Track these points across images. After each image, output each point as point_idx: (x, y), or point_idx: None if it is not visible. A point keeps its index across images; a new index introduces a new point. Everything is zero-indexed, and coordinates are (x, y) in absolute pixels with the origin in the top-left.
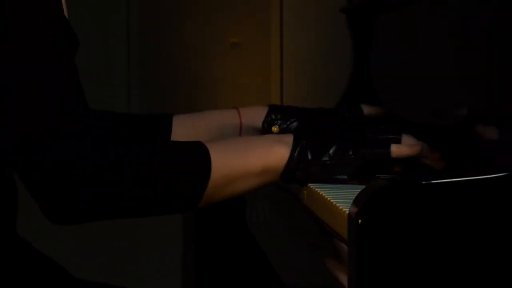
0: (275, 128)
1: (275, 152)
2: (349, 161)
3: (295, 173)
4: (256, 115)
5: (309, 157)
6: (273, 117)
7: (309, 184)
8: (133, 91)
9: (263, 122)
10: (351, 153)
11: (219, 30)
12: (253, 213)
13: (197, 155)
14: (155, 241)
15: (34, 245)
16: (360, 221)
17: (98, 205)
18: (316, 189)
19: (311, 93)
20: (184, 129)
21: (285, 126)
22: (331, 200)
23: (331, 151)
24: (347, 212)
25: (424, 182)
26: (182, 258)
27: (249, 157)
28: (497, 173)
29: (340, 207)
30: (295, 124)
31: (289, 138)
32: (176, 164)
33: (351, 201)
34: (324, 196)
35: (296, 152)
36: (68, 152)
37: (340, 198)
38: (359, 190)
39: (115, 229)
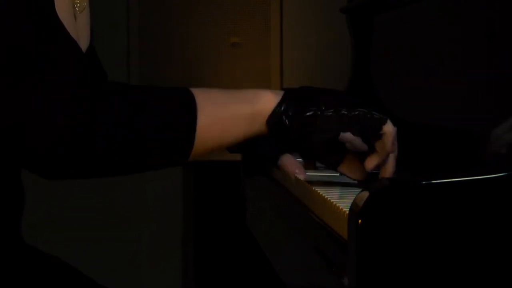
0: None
1: (263, 96)
2: (340, 118)
3: (283, 120)
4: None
5: (299, 106)
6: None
7: (310, 185)
8: None
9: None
10: (344, 111)
11: (219, 30)
12: (253, 213)
13: (183, 99)
14: (155, 241)
15: (32, 244)
16: (360, 221)
17: (90, 153)
18: (316, 189)
19: None
20: None
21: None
22: (331, 200)
23: (323, 106)
24: (347, 212)
25: (424, 182)
26: (182, 258)
27: (237, 98)
28: (497, 173)
29: (340, 207)
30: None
31: (280, 91)
32: (163, 111)
33: (351, 201)
34: (324, 196)
35: (285, 98)
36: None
37: (340, 198)
38: (359, 190)
39: (115, 229)
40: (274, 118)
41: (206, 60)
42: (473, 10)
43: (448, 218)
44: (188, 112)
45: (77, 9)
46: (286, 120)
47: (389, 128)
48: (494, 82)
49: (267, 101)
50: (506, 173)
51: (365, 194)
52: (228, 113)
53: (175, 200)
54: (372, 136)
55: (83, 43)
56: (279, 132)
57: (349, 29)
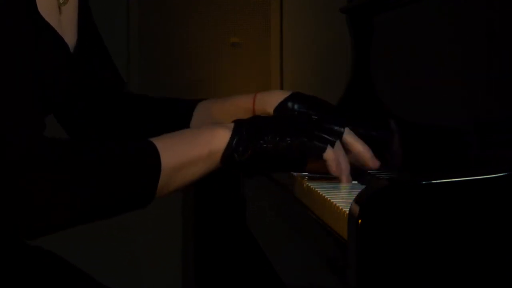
0: None
1: (218, 135)
2: (286, 149)
3: (234, 157)
4: (270, 100)
5: (248, 140)
6: (290, 105)
7: (310, 185)
8: (133, 91)
9: (275, 109)
10: (289, 140)
11: (219, 30)
12: (253, 213)
13: (146, 154)
14: (155, 241)
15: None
16: (360, 221)
17: (54, 215)
18: (316, 189)
19: (310, 93)
20: (204, 114)
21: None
22: (331, 200)
23: (269, 136)
24: (347, 212)
25: (424, 182)
26: (182, 258)
27: (195, 144)
28: (497, 173)
29: (340, 207)
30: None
31: (231, 124)
32: (126, 165)
33: (351, 201)
34: (324, 196)
35: (236, 135)
36: (19, 164)
37: (340, 198)
38: (359, 190)
39: (115, 229)
40: (227, 154)
41: (206, 60)
42: (473, 10)
43: (448, 218)
44: (152, 173)
45: (61, 1)
46: (237, 156)
47: (328, 155)
48: (494, 82)
49: (222, 138)
50: (506, 173)
51: (365, 194)
52: (188, 163)
53: (175, 200)
54: (315, 159)
55: (70, 37)
56: (232, 167)
57: (349, 29)
